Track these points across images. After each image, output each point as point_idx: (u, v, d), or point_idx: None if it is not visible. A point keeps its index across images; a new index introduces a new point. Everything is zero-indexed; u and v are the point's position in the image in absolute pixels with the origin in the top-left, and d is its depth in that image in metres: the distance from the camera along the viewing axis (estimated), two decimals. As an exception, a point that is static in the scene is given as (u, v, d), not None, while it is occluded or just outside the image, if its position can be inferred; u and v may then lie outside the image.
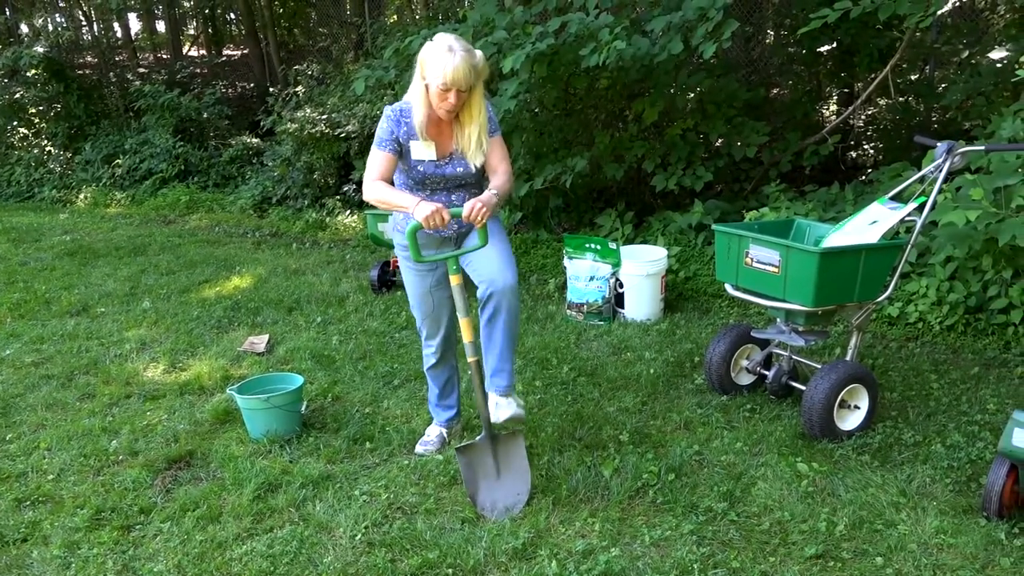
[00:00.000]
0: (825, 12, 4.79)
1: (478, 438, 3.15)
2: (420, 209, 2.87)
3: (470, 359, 3.09)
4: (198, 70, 14.50)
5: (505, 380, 3.19)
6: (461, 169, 3.10)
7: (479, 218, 2.92)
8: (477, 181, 3.19)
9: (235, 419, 3.89)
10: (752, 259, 3.62)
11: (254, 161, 10.34)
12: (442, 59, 2.82)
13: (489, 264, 3.07)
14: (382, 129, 3.04)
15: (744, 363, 4.03)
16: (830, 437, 3.51)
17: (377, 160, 3.04)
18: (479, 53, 2.92)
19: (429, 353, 3.44)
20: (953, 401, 3.92)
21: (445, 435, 3.61)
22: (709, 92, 6.14)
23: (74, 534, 3.01)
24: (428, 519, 3.02)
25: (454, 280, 3.06)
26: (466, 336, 3.09)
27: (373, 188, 3.02)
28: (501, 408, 3.19)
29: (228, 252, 7.52)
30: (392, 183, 3.11)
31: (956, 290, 4.72)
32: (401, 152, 3.06)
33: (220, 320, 5.43)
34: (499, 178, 3.10)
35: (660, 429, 3.72)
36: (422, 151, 3.04)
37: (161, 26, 17.89)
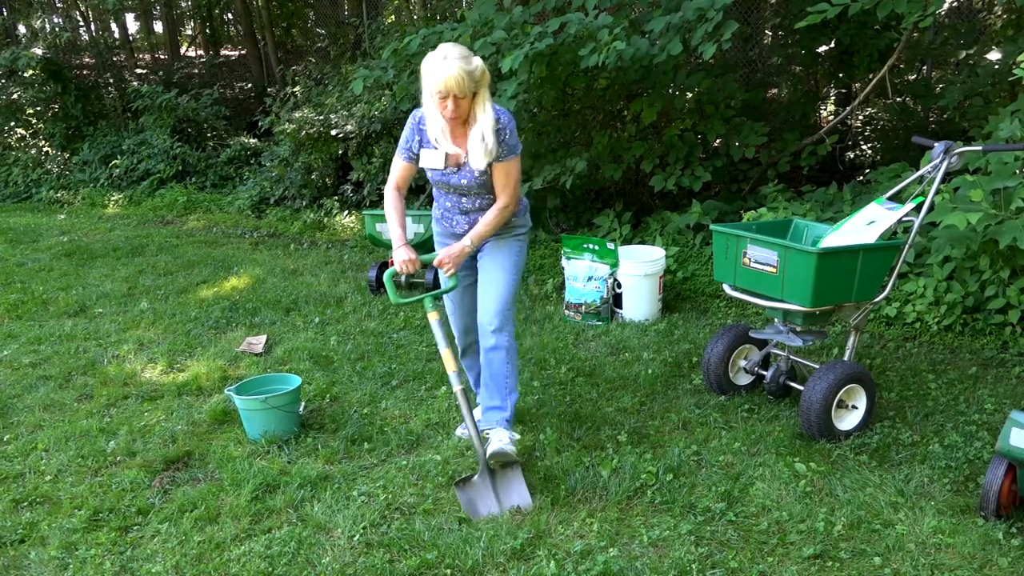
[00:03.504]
0: (824, 7, 4.79)
1: (476, 477, 3.13)
2: (396, 255, 3.25)
3: (455, 388, 3.18)
4: (196, 70, 14.50)
5: (498, 414, 3.32)
6: (465, 181, 3.21)
7: (446, 271, 3.21)
8: (486, 190, 3.25)
9: (233, 420, 3.89)
10: (750, 259, 3.63)
11: (252, 162, 10.34)
12: (436, 66, 2.94)
13: (483, 301, 3.30)
14: (403, 136, 3.27)
15: (742, 363, 4.04)
16: (828, 437, 3.51)
17: (395, 166, 3.34)
18: (476, 60, 2.99)
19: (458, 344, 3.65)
20: (951, 401, 3.93)
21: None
22: (707, 92, 6.15)
23: (72, 535, 3.01)
24: (426, 519, 3.02)
25: (431, 316, 3.26)
26: (448, 367, 3.22)
27: (386, 198, 3.38)
28: (491, 441, 3.23)
29: (226, 253, 7.51)
30: (406, 187, 3.41)
31: (954, 290, 4.73)
32: (418, 159, 3.27)
33: (218, 321, 5.43)
34: (493, 209, 3.19)
35: (658, 429, 3.72)
36: (429, 160, 3.21)
37: (159, 26, 17.88)
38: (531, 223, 3.48)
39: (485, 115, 3.04)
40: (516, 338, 3.41)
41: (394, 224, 3.31)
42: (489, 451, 3.14)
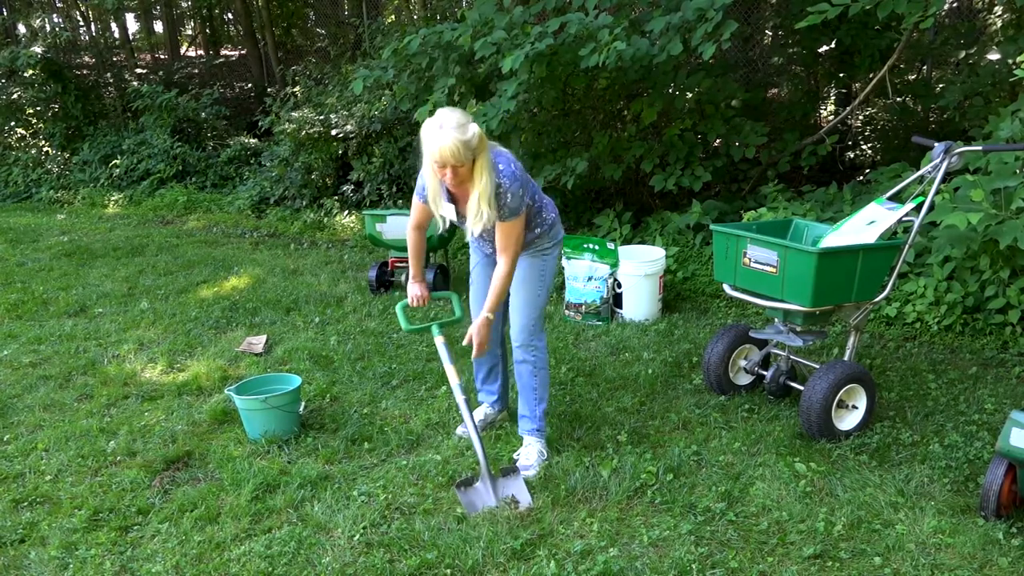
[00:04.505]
0: (824, 7, 4.79)
1: (477, 482, 3.16)
2: (409, 288, 3.48)
3: (458, 399, 3.28)
4: (196, 70, 14.50)
5: (528, 423, 3.43)
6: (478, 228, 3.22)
7: (476, 352, 3.21)
8: None
9: (233, 420, 3.89)
10: (750, 259, 3.62)
11: (252, 162, 10.34)
12: (432, 136, 2.88)
13: (511, 318, 3.37)
14: (419, 179, 3.25)
15: (742, 363, 4.04)
16: (828, 437, 3.51)
17: (413, 207, 3.36)
18: (472, 128, 2.90)
19: None
20: (951, 401, 3.93)
21: (489, 412, 3.77)
22: (707, 92, 6.15)
23: (72, 535, 3.01)
24: (426, 519, 3.02)
25: (438, 340, 3.43)
26: (451, 381, 3.34)
27: (407, 237, 3.45)
28: (522, 453, 3.41)
29: (226, 253, 7.52)
30: (427, 225, 3.43)
31: (954, 290, 4.73)
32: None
33: (218, 320, 5.43)
34: (496, 276, 3.16)
35: (658, 429, 3.72)
36: (444, 210, 3.18)
37: (159, 26, 17.88)
38: (561, 235, 3.45)
39: (483, 181, 2.96)
40: (544, 383, 3.43)
41: (411, 261, 3.47)
42: (526, 460, 3.35)
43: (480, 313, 3.22)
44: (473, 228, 3.07)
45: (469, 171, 2.96)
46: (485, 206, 2.98)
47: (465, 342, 3.19)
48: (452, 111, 2.92)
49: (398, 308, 3.54)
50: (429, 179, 3.08)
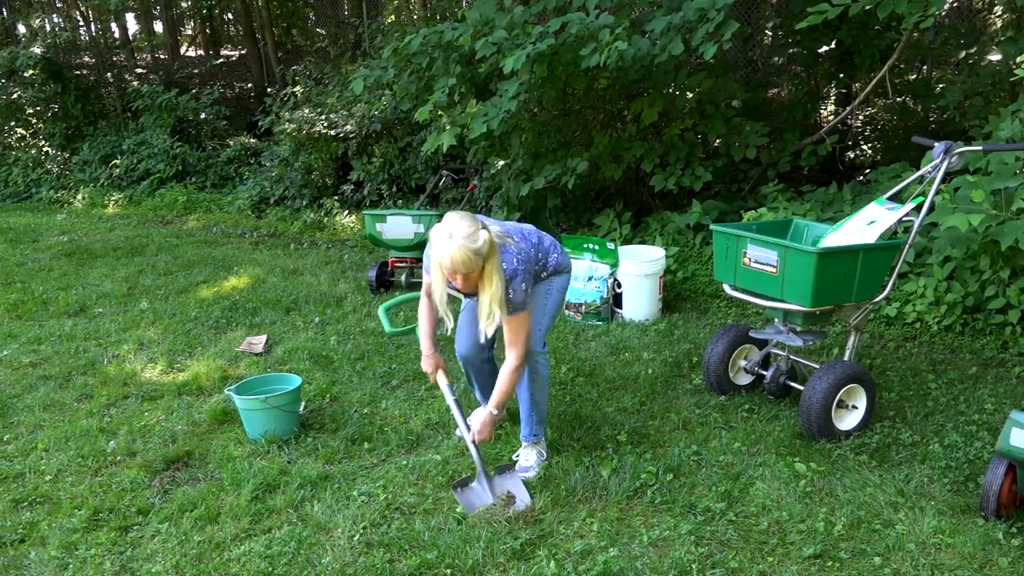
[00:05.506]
0: (824, 7, 4.79)
1: (474, 482, 3.17)
2: (423, 362, 3.43)
3: (448, 400, 3.35)
4: (196, 70, 14.50)
5: (526, 429, 3.42)
6: None
7: (481, 442, 3.22)
8: None
9: (233, 420, 3.89)
10: (750, 259, 3.62)
11: (252, 162, 10.34)
12: (442, 245, 2.87)
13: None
14: (425, 256, 3.16)
15: (742, 363, 4.04)
16: (828, 437, 3.51)
17: (424, 279, 3.30)
18: (482, 236, 2.87)
19: None
20: (951, 401, 3.93)
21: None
22: (708, 92, 6.15)
23: (72, 535, 3.01)
24: (426, 519, 3.02)
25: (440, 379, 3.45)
26: (441, 382, 3.42)
27: (420, 304, 3.43)
28: (521, 455, 3.43)
29: (226, 252, 7.52)
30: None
31: (954, 290, 4.73)
32: None
33: (218, 320, 5.43)
34: (505, 370, 3.15)
35: (658, 429, 3.72)
36: (456, 291, 3.18)
37: (159, 26, 17.88)
38: (569, 264, 3.43)
39: (494, 285, 2.96)
40: (543, 394, 3.42)
41: (423, 333, 3.42)
42: (523, 464, 3.37)
43: (485, 408, 3.22)
44: (486, 330, 3.06)
45: (479, 275, 2.96)
46: (496, 307, 2.99)
47: (471, 439, 3.17)
48: (461, 218, 2.89)
49: (381, 310, 3.51)
50: (436, 282, 3.07)
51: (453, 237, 2.85)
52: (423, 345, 3.42)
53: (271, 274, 6.62)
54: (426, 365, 3.42)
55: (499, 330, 3.31)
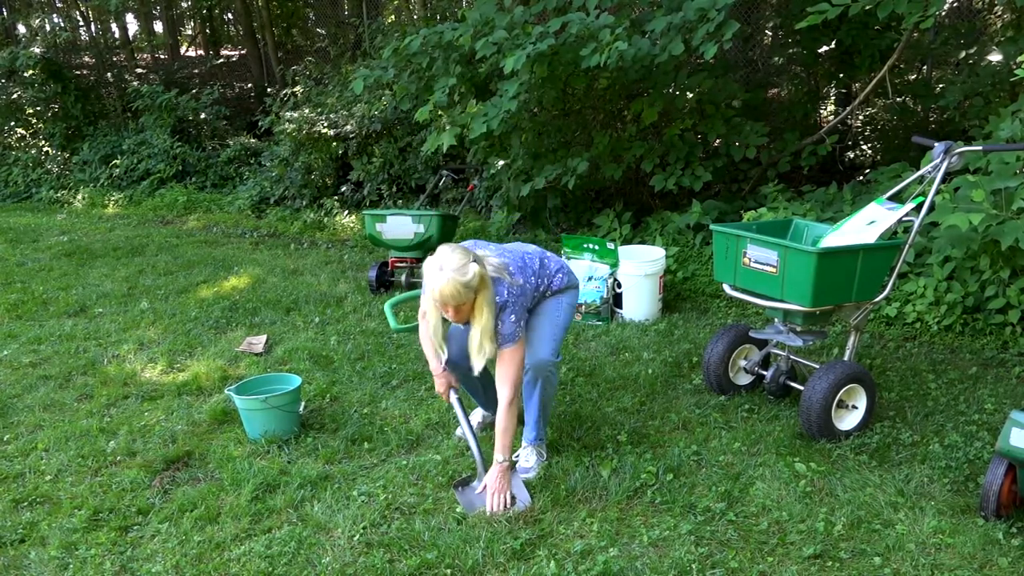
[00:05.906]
0: (824, 7, 4.79)
1: (474, 481, 3.18)
2: (435, 381, 3.39)
3: (451, 399, 3.36)
4: (196, 70, 14.51)
5: (532, 432, 3.41)
6: None
7: (497, 500, 3.10)
8: None
9: (233, 420, 3.89)
10: (750, 259, 3.62)
11: (252, 161, 10.34)
12: (433, 277, 2.88)
13: (533, 338, 3.29)
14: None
15: (742, 363, 4.04)
16: (828, 437, 3.51)
17: (422, 302, 3.29)
18: (472, 269, 2.86)
19: None
20: (951, 401, 3.93)
21: (487, 415, 3.78)
22: (708, 92, 6.15)
23: (72, 535, 3.01)
24: (426, 519, 3.02)
25: (453, 399, 3.42)
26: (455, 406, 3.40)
27: (420, 327, 3.37)
28: (522, 455, 3.40)
29: (226, 252, 7.52)
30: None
31: (954, 290, 4.73)
32: None
33: (218, 320, 5.43)
34: (501, 411, 3.12)
35: (658, 429, 3.72)
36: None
37: (159, 26, 17.88)
38: (576, 282, 3.42)
39: (484, 318, 2.96)
40: (550, 403, 3.44)
41: (428, 354, 3.36)
42: (525, 464, 3.35)
43: (493, 462, 3.15)
44: (476, 364, 3.07)
45: (471, 308, 2.96)
46: (487, 342, 3.00)
47: (479, 490, 3.13)
48: (452, 251, 2.89)
49: (386, 307, 3.52)
50: (431, 313, 3.11)
51: (443, 270, 2.85)
52: (432, 365, 3.37)
53: (271, 274, 6.62)
54: (439, 386, 3.38)
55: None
